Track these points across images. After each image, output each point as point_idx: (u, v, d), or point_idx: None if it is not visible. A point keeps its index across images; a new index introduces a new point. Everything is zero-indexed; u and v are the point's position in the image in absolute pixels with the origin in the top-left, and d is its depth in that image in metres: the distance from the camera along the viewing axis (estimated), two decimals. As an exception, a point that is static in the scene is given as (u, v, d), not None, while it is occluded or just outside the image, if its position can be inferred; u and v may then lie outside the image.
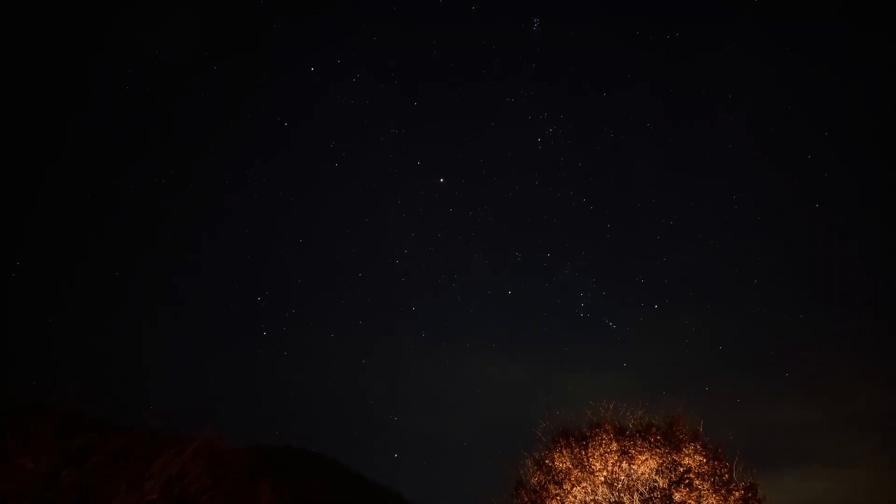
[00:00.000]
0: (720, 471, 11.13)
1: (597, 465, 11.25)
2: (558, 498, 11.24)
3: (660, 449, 11.19)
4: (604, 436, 11.54)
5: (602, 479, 11.15)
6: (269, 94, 34.60)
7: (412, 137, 35.29)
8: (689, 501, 10.70)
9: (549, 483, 11.53)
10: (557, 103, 34.65)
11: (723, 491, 10.92)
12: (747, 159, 34.92)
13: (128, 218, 33.13)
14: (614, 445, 11.35)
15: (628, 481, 11.07)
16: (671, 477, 10.97)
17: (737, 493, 10.98)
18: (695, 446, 11.26)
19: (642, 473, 11.07)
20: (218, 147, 34.67)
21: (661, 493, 10.85)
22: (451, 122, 36.27)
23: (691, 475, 10.92)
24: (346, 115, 34.38)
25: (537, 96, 34.49)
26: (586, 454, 11.42)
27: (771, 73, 33.44)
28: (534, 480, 11.93)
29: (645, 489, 10.98)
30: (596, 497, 11.07)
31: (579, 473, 11.32)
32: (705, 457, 11.18)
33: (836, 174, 32.29)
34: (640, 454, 11.15)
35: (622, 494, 10.98)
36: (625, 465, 11.13)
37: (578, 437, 11.84)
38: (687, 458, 11.11)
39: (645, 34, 32.18)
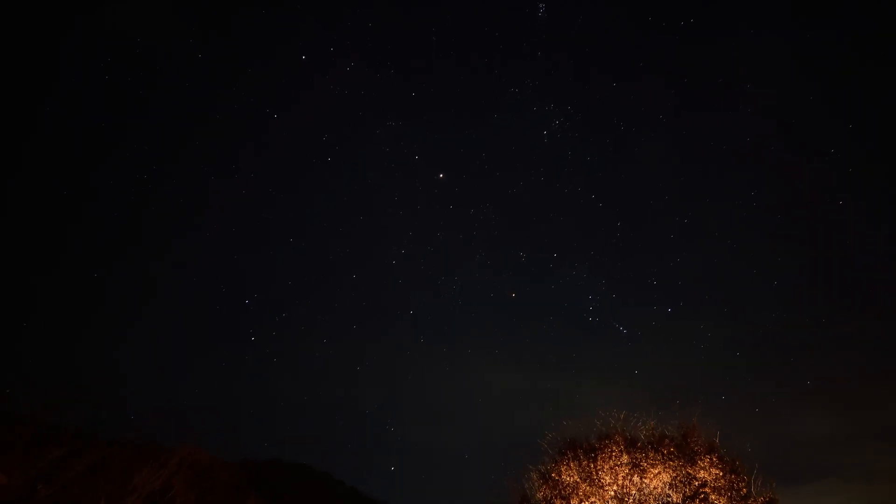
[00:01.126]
0: (737, 485, 11.16)
1: (606, 478, 11.29)
2: (565, 514, 11.28)
3: (673, 462, 11.23)
4: (614, 447, 11.58)
5: (612, 493, 11.18)
6: (256, 84, 34.52)
7: (410, 130, 35.23)
8: (705, 517, 10.73)
9: (556, 498, 11.56)
10: (564, 94, 34.54)
11: (740, 506, 10.95)
12: (767, 153, 34.79)
13: (106, 215, 33.06)
14: (625, 458, 11.38)
15: (640, 496, 11.11)
16: (685, 491, 11.00)
17: (755, 509, 11.02)
18: (710, 459, 11.29)
19: (655, 487, 11.11)
20: (202, 140, 34.57)
21: (674, 508, 10.89)
22: (452, 113, 36.20)
23: (707, 489, 10.95)
24: (339, 106, 34.27)
25: (543, 86, 34.37)
26: (595, 467, 11.45)
27: (792, 62, 33.41)
28: (539, 495, 11.96)
29: (657, 504, 11.03)
30: (605, 513, 11.11)
31: (588, 488, 11.36)
32: (722, 470, 11.21)
33: (861, 169, 32.24)
34: (653, 467, 11.19)
35: (633, 510, 11.02)
36: (636, 478, 11.17)
37: (587, 449, 11.87)
38: (702, 472, 11.15)
39: (658, 20, 32.11)
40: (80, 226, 33.10)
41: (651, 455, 11.35)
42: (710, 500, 10.83)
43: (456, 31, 34.47)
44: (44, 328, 30.32)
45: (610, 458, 11.44)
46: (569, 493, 11.46)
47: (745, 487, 11.23)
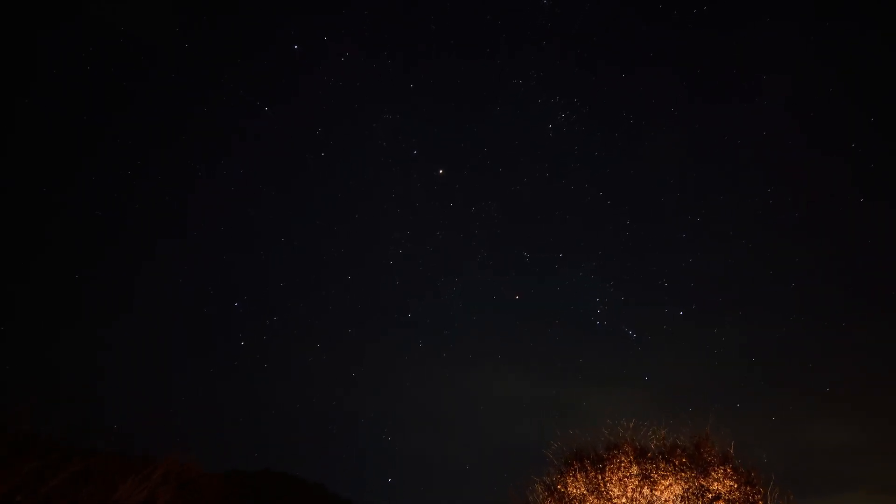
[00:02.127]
0: (753, 497, 11.15)
1: (615, 490, 11.27)
2: (571, 528, 11.27)
3: (685, 473, 11.21)
4: (622, 458, 11.56)
5: (621, 506, 11.18)
6: (246, 75, 34.54)
7: (408, 123, 35.25)
8: (719, 531, 10.73)
9: (562, 511, 11.55)
10: (571, 85, 34.56)
11: (756, 520, 10.94)
12: (784, 148, 34.77)
13: (87, 213, 33.07)
14: (634, 469, 11.37)
15: (650, 509, 11.10)
16: (698, 504, 11.00)
17: (772, 523, 11.02)
18: (725, 470, 11.28)
19: (666, 500, 11.09)
20: (188, 134, 34.59)
21: (686, 522, 10.88)
22: (452, 106, 36.19)
23: (721, 502, 10.93)
24: (333, 98, 34.30)
25: (548, 77, 34.34)
26: (603, 478, 11.44)
27: (811, 50, 33.39)
28: (544, 508, 11.96)
29: (669, 518, 11.01)
30: (614, 527, 11.09)
31: (595, 500, 11.35)
32: (736, 482, 11.20)
33: (883, 165, 32.22)
34: (664, 478, 11.17)
35: (643, 524, 11.01)
36: (646, 490, 11.15)
37: (594, 460, 11.86)
38: (716, 483, 11.13)
39: (669, 6, 32.09)
40: (60, 224, 33.11)
41: (662, 466, 11.33)
42: (725, 514, 10.82)
43: (456, 19, 34.45)
44: (21, 332, 30.31)
45: (619, 469, 11.43)
46: (575, 506, 11.45)
47: (761, 500, 11.21)
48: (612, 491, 11.29)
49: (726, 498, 11.01)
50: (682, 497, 11.07)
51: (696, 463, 11.43)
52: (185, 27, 31.73)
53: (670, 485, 11.12)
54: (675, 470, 11.24)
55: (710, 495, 11.04)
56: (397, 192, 35.64)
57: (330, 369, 36.21)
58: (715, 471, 11.26)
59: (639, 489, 11.17)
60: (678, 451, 11.68)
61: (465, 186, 36.01)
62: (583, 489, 11.54)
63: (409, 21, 34.39)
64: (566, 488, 11.77)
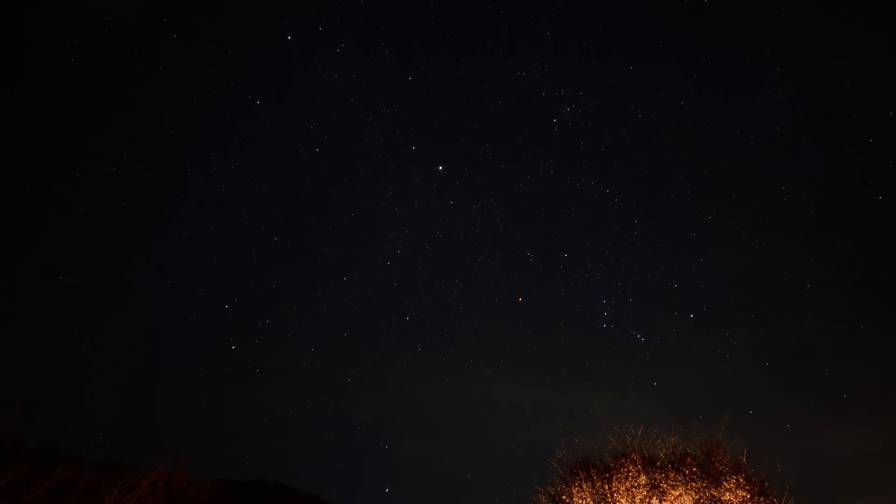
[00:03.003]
0: (767, 508, 11.15)
1: (622, 501, 11.27)
2: (577, 540, 11.27)
3: (696, 482, 11.21)
4: (630, 467, 11.56)
5: (628, 517, 11.17)
6: (238, 67, 34.55)
7: (406, 118, 35.27)
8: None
9: (567, 522, 11.55)
10: (576, 78, 34.58)
11: (770, 532, 10.94)
12: (798, 143, 34.80)
13: (72, 213, 33.09)
14: (643, 478, 11.36)
15: (659, 520, 11.09)
16: (709, 515, 10.99)
17: (786, 535, 11.01)
18: (737, 479, 11.27)
19: (675, 511, 11.09)
20: (178, 129, 34.61)
21: (697, 534, 10.88)
22: (452, 100, 36.21)
23: (733, 513, 10.93)
24: (328, 91, 34.31)
25: (552, 70, 34.35)
26: (610, 489, 11.43)
27: (825, 41, 33.39)
28: (548, 519, 11.96)
29: (678, 529, 11.01)
30: (621, 539, 11.09)
31: (602, 511, 11.35)
32: (749, 492, 11.19)
33: (902, 161, 32.21)
34: (673, 489, 11.17)
35: (652, 536, 11.00)
36: (655, 501, 11.15)
37: (601, 469, 11.86)
38: (728, 494, 11.13)
39: (678, -4, 32.12)
40: (45, 224, 33.13)
41: (671, 475, 11.33)
42: (737, 525, 10.82)
43: (457, 9, 34.46)
44: (4, 336, 30.35)
45: (626, 478, 11.42)
46: (581, 517, 11.45)
47: (774, 511, 11.23)
48: (619, 502, 11.28)
49: (738, 509, 11.01)
50: (692, 508, 11.08)
51: (707, 472, 11.42)
52: (174, 17, 31.74)
53: (680, 495, 11.12)
54: (685, 480, 11.24)
55: (721, 506, 11.04)
56: (395, 189, 35.66)
57: (324, 374, 36.26)
58: (727, 480, 11.26)
59: (647, 500, 11.17)
60: (688, 459, 11.68)
61: (466, 183, 36.05)
62: (589, 500, 11.54)
63: (408, 11, 34.38)
64: (571, 499, 11.77)
